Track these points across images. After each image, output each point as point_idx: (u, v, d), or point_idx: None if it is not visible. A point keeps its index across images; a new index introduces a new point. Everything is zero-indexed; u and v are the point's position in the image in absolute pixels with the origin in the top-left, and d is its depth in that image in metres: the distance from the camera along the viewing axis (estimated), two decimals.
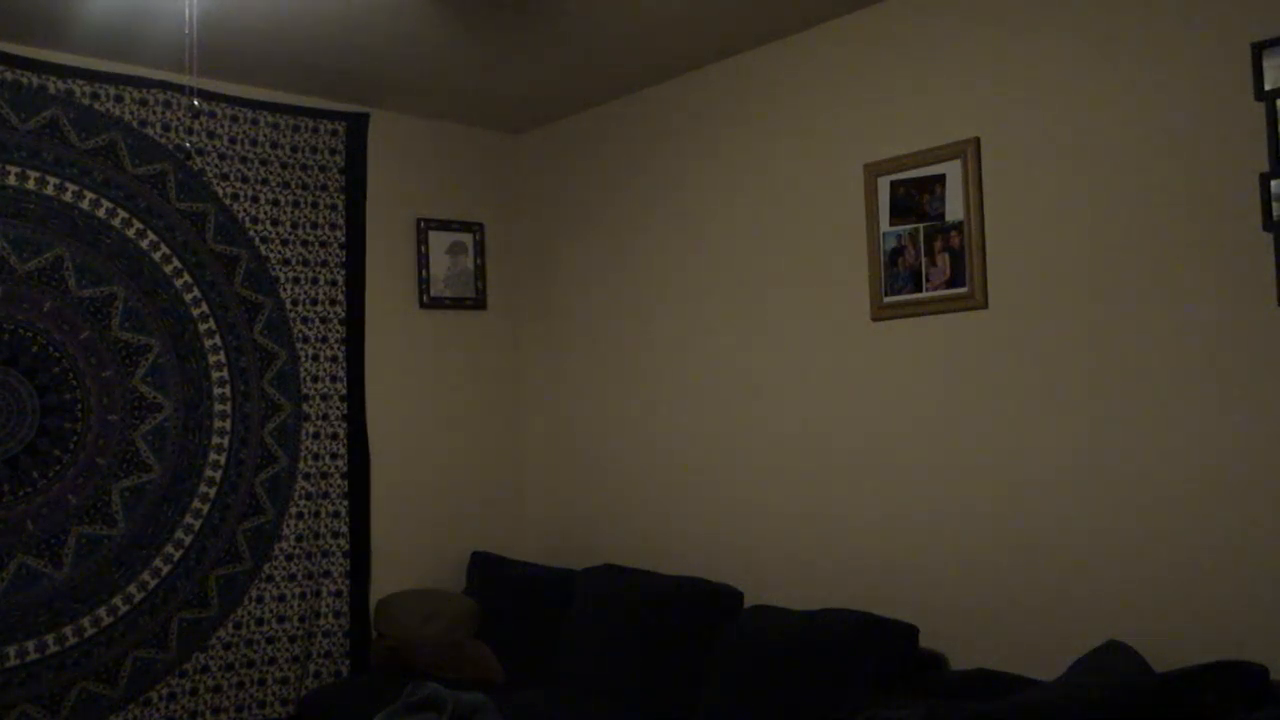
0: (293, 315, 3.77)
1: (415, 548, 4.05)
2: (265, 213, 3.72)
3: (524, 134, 4.44)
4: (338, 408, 3.85)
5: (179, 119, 3.54)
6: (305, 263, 3.80)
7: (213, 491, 3.54)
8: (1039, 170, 2.74)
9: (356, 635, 3.82)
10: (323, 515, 3.79)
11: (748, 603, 3.33)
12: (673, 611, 3.24)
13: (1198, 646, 2.38)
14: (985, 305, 2.84)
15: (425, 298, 4.14)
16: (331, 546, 3.80)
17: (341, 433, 3.85)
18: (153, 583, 3.40)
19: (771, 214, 3.41)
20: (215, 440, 3.55)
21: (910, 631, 2.78)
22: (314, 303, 3.82)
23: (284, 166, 3.77)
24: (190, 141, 3.55)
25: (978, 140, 2.85)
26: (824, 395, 3.24)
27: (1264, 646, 2.29)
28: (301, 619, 3.71)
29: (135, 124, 3.45)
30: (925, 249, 2.96)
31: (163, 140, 3.50)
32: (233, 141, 3.66)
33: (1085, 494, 2.62)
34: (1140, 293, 2.54)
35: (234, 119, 3.67)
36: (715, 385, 3.59)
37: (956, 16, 2.92)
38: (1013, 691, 2.37)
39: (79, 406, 3.29)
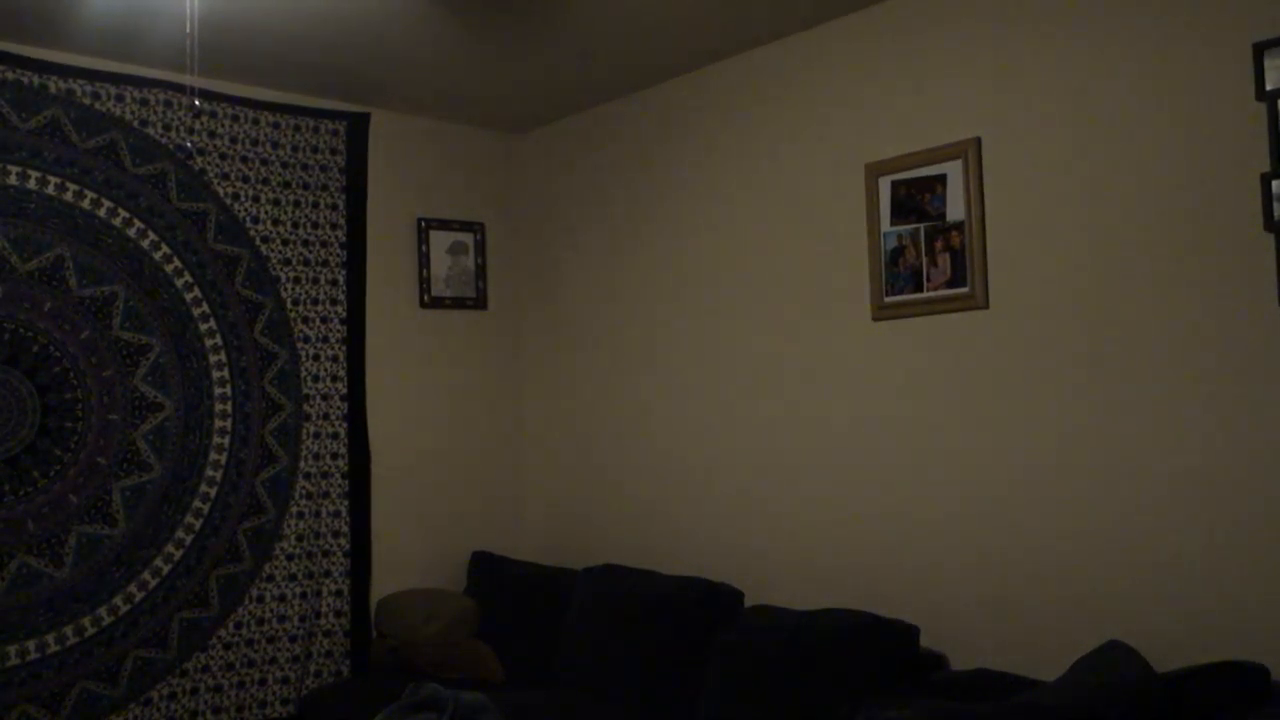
0: (293, 315, 3.77)
1: (415, 548, 4.05)
2: (266, 212, 3.72)
3: (524, 134, 4.44)
4: (338, 407, 3.85)
5: (180, 119, 3.54)
6: (306, 262, 3.81)
7: (213, 491, 3.54)
8: (1039, 170, 2.74)
9: (357, 635, 3.82)
10: (323, 515, 3.79)
11: (748, 603, 3.32)
12: (673, 611, 3.24)
13: (1198, 646, 2.38)
14: (986, 305, 2.84)
15: (426, 297, 4.14)
16: (332, 546, 3.80)
17: (342, 432, 3.85)
18: (153, 582, 3.40)
19: (772, 214, 3.41)
20: (216, 440, 3.56)
21: (910, 631, 2.78)
22: (314, 302, 3.82)
23: (285, 166, 3.77)
24: (191, 141, 3.55)
25: (979, 140, 2.86)
26: (824, 395, 3.24)
27: (1264, 646, 2.29)
28: (302, 619, 3.71)
29: (136, 124, 3.45)
30: (926, 249, 2.96)
31: (163, 140, 3.51)
32: (233, 141, 3.67)
33: (1086, 493, 2.62)
34: (1140, 293, 2.54)
35: (235, 119, 3.67)
36: (715, 385, 3.59)
37: (956, 16, 2.92)
38: (1013, 691, 2.37)
39: (80, 406, 3.30)
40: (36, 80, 3.26)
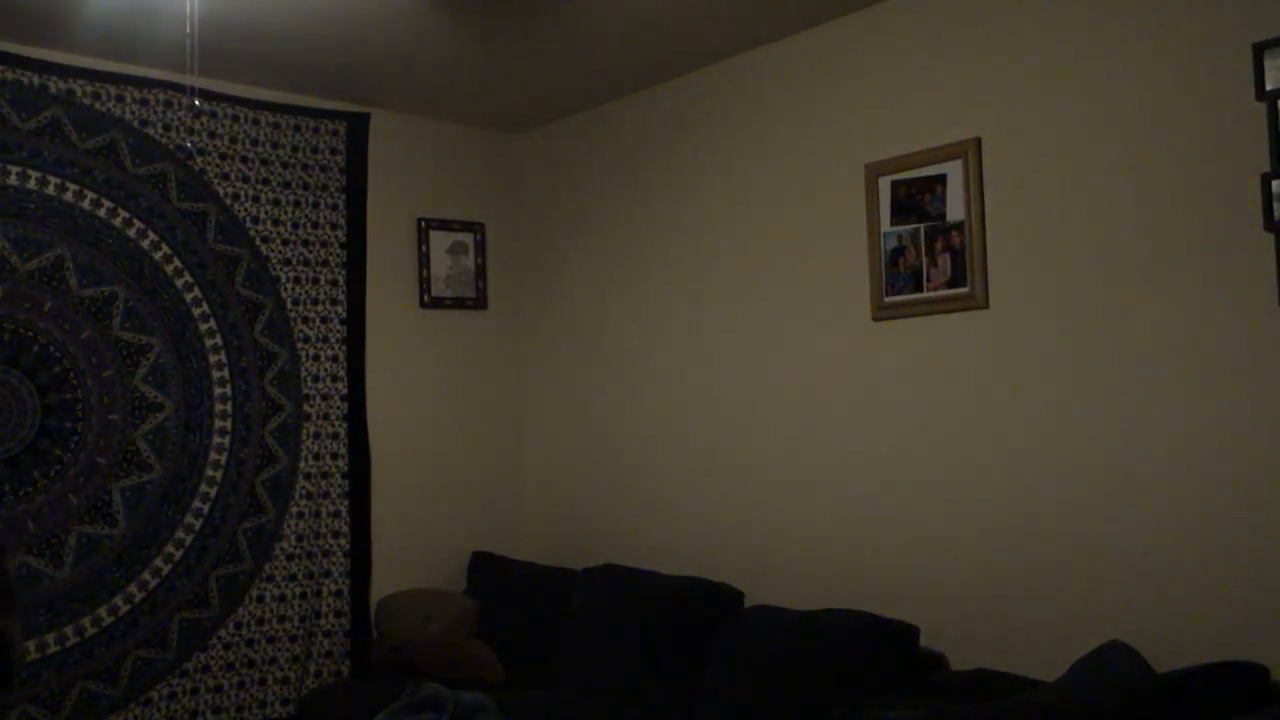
0: (293, 315, 3.77)
1: (415, 548, 4.05)
2: (266, 212, 3.73)
3: (524, 134, 4.44)
4: (338, 408, 3.85)
5: (180, 119, 3.54)
6: (306, 263, 3.81)
7: (213, 491, 3.54)
8: (1040, 170, 2.74)
9: (357, 635, 3.82)
10: (323, 515, 3.79)
11: (748, 603, 3.32)
12: (673, 611, 3.24)
13: (1198, 646, 2.38)
14: (986, 305, 2.84)
15: (426, 297, 4.14)
16: (332, 546, 3.80)
17: (342, 432, 3.85)
18: (153, 582, 3.40)
19: (772, 214, 3.41)
20: (216, 440, 3.56)
21: (910, 631, 2.77)
22: (314, 302, 3.82)
23: (285, 166, 3.77)
24: (191, 141, 3.55)
25: (979, 140, 2.86)
26: (824, 395, 3.24)
27: (1264, 646, 2.29)
28: (302, 619, 3.71)
29: (136, 124, 3.45)
30: (926, 249, 2.96)
31: (164, 140, 3.51)
32: (233, 141, 3.66)
33: (1085, 494, 2.62)
34: (1141, 293, 2.54)
35: (235, 119, 3.67)
36: (715, 385, 3.59)
37: (956, 16, 2.92)
38: (1013, 691, 2.37)
39: (80, 406, 3.30)
40: (36, 80, 3.26)
